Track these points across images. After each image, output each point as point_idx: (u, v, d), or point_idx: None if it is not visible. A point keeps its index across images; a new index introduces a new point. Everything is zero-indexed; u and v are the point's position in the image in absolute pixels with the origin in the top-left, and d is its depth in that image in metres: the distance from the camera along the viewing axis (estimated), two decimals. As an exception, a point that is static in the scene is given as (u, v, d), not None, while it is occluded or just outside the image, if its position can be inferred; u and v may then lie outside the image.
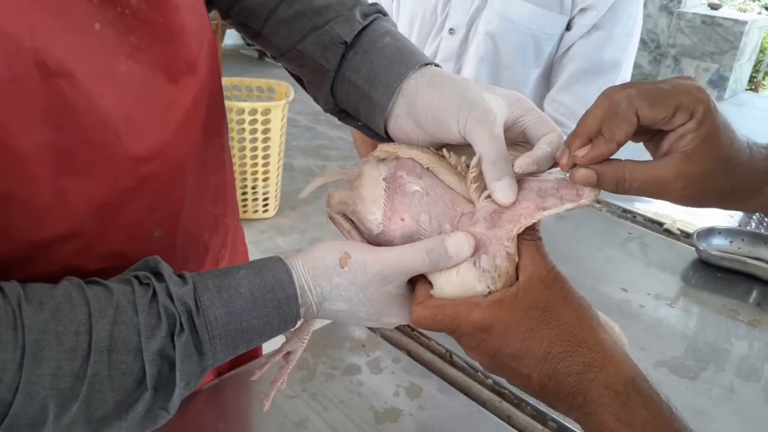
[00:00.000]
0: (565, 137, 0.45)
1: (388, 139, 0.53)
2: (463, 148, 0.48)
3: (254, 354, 0.76)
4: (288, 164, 3.23)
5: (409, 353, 0.76)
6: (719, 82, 5.34)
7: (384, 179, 0.48)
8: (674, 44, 5.47)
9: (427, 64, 0.51)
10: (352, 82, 0.52)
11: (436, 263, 0.44)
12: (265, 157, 2.58)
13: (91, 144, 0.42)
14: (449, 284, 0.44)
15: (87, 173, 0.43)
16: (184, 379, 0.41)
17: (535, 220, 0.43)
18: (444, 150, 0.49)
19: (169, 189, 0.50)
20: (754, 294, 0.95)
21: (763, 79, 5.90)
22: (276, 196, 2.77)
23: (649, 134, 0.45)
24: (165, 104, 0.46)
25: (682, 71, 5.46)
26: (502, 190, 0.44)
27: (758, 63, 5.89)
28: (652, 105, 0.41)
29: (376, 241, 0.48)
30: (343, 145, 3.60)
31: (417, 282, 0.46)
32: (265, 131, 2.50)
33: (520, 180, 0.46)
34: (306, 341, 0.55)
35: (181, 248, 0.55)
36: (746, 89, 5.77)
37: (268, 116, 2.46)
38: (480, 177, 0.46)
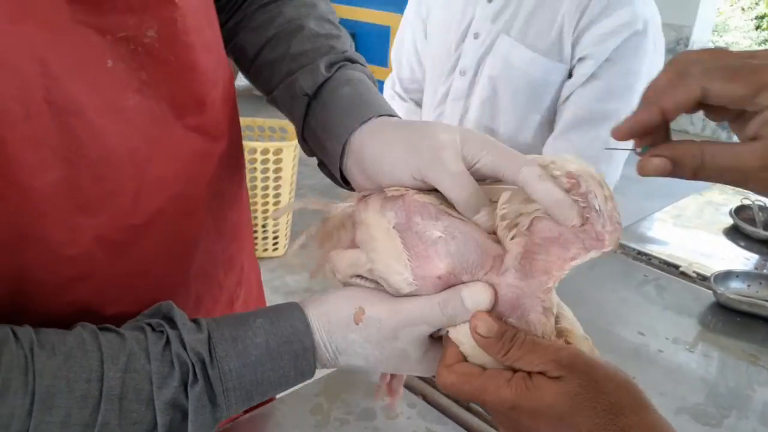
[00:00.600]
0: (536, 169, 0.41)
1: (350, 188, 0.52)
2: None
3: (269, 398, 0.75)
4: (298, 203, 3.25)
5: (425, 398, 0.75)
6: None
7: (395, 227, 0.43)
8: (681, 86, 5.51)
9: (380, 116, 0.49)
10: (314, 131, 0.53)
11: (452, 317, 0.41)
12: (276, 195, 2.59)
13: (100, 180, 0.42)
14: (462, 333, 0.41)
15: (97, 210, 0.42)
16: (196, 431, 0.40)
17: (566, 272, 0.41)
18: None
19: (182, 226, 0.50)
20: (775, 339, 0.93)
21: None
22: (286, 235, 2.78)
23: (733, 113, 0.39)
24: (172, 139, 0.47)
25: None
26: (483, 222, 0.42)
27: (766, 104, 5.91)
28: (728, 79, 0.35)
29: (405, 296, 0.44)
30: (353, 184, 3.61)
31: (447, 340, 0.44)
32: (277, 170, 2.52)
33: (530, 227, 0.42)
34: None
35: (195, 286, 0.55)
36: (755, 130, 5.78)
37: (279, 156, 2.49)
38: (521, 208, 0.42)
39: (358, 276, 0.46)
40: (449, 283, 0.43)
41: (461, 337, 0.42)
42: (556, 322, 0.41)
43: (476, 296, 0.41)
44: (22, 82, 0.36)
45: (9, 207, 0.37)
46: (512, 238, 0.41)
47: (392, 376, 0.53)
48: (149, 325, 0.42)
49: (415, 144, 0.44)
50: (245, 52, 0.59)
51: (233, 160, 0.58)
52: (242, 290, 0.66)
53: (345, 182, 0.52)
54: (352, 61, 0.56)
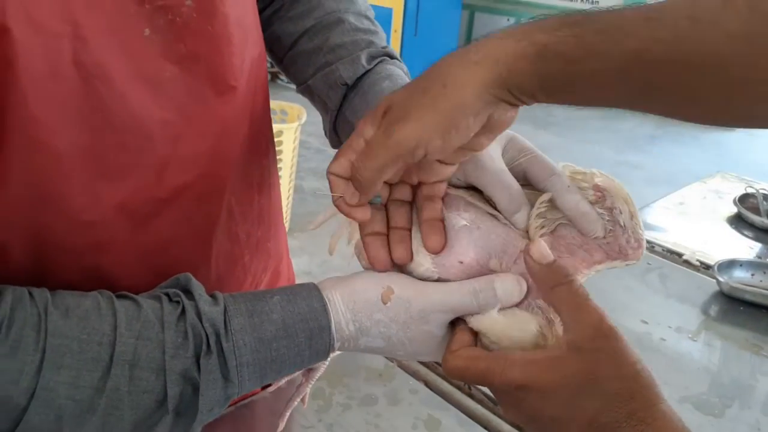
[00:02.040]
0: (565, 179, 0.43)
1: None
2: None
3: None
4: (299, 186, 3.24)
5: (427, 384, 0.74)
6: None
7: None
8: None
9: None
10: (350, 123, 0.52)
11: (484, 305, 0.42)
12: (278, 176, 2.59)
13: (125, 149, 0.41)
14: (487, 321, 0.42)
15: (120, 179, 0.42)
16: (207, 405, 0.39)
17: (588, 274, 0.42)
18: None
19: (206, 203, 0.49)
20: (778, 328, 0.93)
21: None
22: (287, 218, 2.77)
23: None
24: (206, 116, 0.46)
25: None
26: (521, 221, 0.43)
27: None
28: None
29: None
30: (353, 167, 3.60)
31: (455, 326, 0.44)
32: (278, 153, 2.51)
33: (555, 231, 0.44)
34: (328, 361, 0.53)
35: (217, 267, 0.54)
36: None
37: (280, 138, 2.47)
38: (547, 213, 0.43)
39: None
40: (472, 271, 0.43)
41: (485, 326, 0.42)
42: None
43: (508, 287, 0.42)
44: (50, 41, 0.36)
45: (30, 165, 0.38)
46: (541, 237, 0.43)
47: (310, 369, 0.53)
48: (167, 295, 0.41)
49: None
50: (280, 42, 0.59)
51: (263, 144, 0.57)
52: (267, 277, 0.65)
53: None
54: (391, 57, 0.56)
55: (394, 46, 5.06)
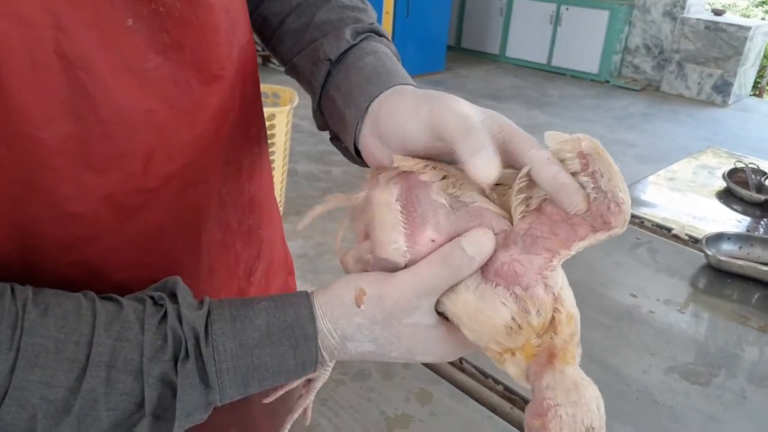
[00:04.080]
0: (544, 153, 0.39)
1: (363, 164, 0.50)
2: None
3: None
4: (292, 170, 3.24)
5: (419, 359, 0.76)
6: (723, 87, 5.34)
7: (397, 200, 0.41)
8: (678, 50, 5.47)
9: (403, 85, 0.47)
10: (333, 99, 0.50)
11: (458, 271, 0.38)
12: (270, 162, 2.58)
13: (110, 139, 0.41)
14: (460, 303, 0.39)
15: (106, 169, 0.42)
16: (184, 411, 0.38)
17: (572, 252, 0.38)
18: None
19: (194, 193, 0.49)
20: (764, 300, 0.94)
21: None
22: (280, 202, 2.77)
23: None
24: (192, 105, 0.46)
25: (686, 77, 5.46)
26: (481, 163, 0.37)
27: (762, 68, 5.89)
28: None
29: None
30: (347, 150, 3.60)
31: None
32: (270, 137, 2.51)
33: (540, 208, 0.40)
34: (330, 370, 0.52)
35: (207, 256, 0.54)
36: (750, 95, 5.76)
37: (272, 122, 2.47)
38: (527, 188, 0.39)
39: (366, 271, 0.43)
40: None
41: (458, 309, 0.39)
42: (554, 305, 0.40)
43: (476, 240, 0.38)
44: (30, 32, 0.35)
45: (15, 157, 0.37)
46: (521, 216, 0.39)
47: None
48: (151, 298, 0.40)
49: (432, 98, 0.41)
50: (268, 22, 0.58)
51: (253, 131, 0.57)
52: (261, 263, 0.65)
53: (359, 156, 0.50)
54: (379, 34, 0.55)
55: (386, 28, 5.02)
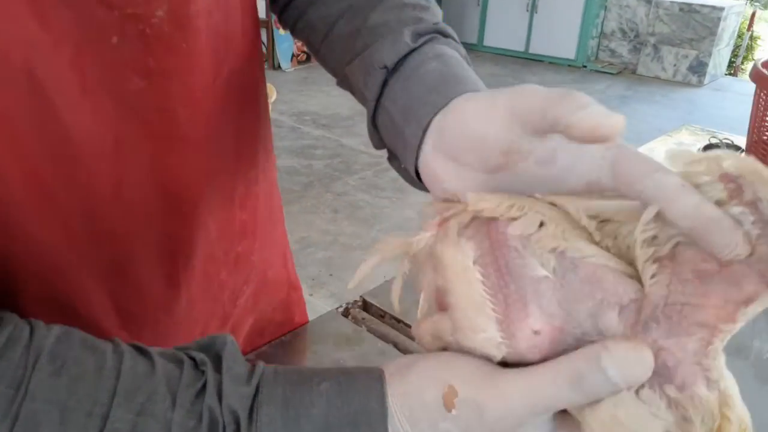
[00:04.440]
0: (674, 178, 0.28)
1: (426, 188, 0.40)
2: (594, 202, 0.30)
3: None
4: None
5: (396, 346, 0.75)
6: (699, 68, 5.39)
7: (476, 263, 0.30)
8: (653, 32, 5.50)
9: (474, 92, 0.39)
10: (389, 113, 0.42)
11: (591, 394, 0.28)
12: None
13: (80, 162, 0.38)
14: (605, 425, 0.28)
15: (71, 194, 0.39)
16: None
17: (739, 325, 0.27)
18: (563, 200, 0.30)
19: (170, 224, 0.46)
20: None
21: (742, 63, 5.96)
22: (261, 198, 2.76)
23: None
24: (174, 132, 0.43)
25: (662, 59, 5.50)
26: (594, 116, 0.28)
27: (736, 48, 5.94)
28: None
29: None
30: (328, 144, 3.58)
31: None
32: (247, 132, 2.48)
33: (672, 256, 0.28)
34: None
35: (187, 288, 0.51)
36: (725, 74, 5.82)
37: (249, 117, 2.44)
38: (656, 240, 0.28)
39: (446, 350, 0.34)
40: (555, 341, 0.29)
41: (601, 424, 0.28)
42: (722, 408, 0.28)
43: (625, 364, 0.27)
44: None
45: None
46: (653, 276, 0.28)
47: None
48: (192, 359, 0.34)
49: (509, 89, 0.33)
50: (315, 29, 0.50)
51: (248, 156, 0.53)
52: (250, 286, 0.62)
53: (420, 180, 0.42)
54: (445, 35, 0.45)
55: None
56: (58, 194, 0.39)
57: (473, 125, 0.34)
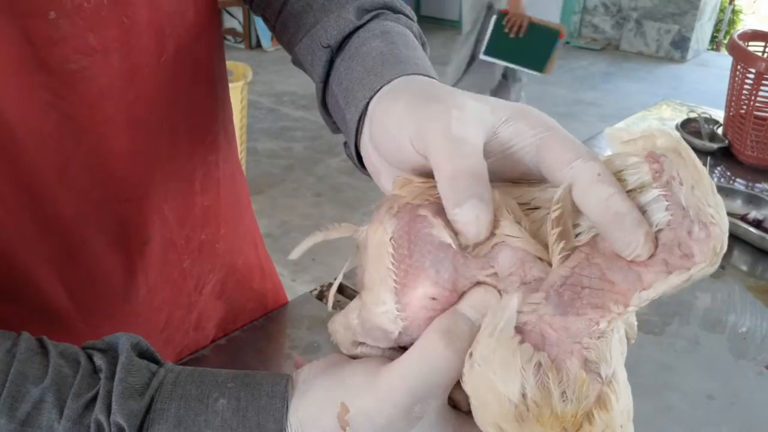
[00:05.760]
0: (596, 166, 0.27)
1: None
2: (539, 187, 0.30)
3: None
4: (252, 148, 3.17)
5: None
6: (681, 43, 5.38)
7: (392, 239, 0.29)
8: (636, 7, 5.48)
9: (411, 75, 0.36)
10: (335, 96, 0.40)
11: (459, 342, 0.27)
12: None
13: (18, 147, 0.37)
14: (468, 367, 0.27)
15: (17, 177, 0.38)
16: None
17: (631, 309, 0.26)
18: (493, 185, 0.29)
19: (122, 210, 0.44)
20: (717, 246, 0.95)
21: (724, 38, 5.96)
22: (242, 181, 2.73)
23: None
24: (118, 114, 0.41)
25: (645, 34, 5.48)
26: (466, 222, 0.27)
27: (719, 23, 5.94)
28: None
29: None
30: (308, 125, 3.55)
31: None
32: (226, 115, 2.45)
33: (592, 243, 0.27)
34: None
35: (144, 276, 0.49)
36: (708, 49, 5.82)
37: (227, 99, 2.40)
38: (562, 220, 0.27)
39: (361, 343, 0.32)
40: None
41: (471, 386, 0.27)
42: (598, 393, 0.27)
43: (476, 300, 0.27)
44: None
45: None
46: (562, 258, 0.27)
47: None
48: (90, 360, 0.32)
49: (423, 101, 0.31)
50: (270, 5, 0.48)
51: (207, 138, 0.51)
52: (217, 275, 0.61)
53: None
54: (395, 10, 0.43)
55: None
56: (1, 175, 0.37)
57: (392, 132, 0.32)
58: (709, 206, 0.25)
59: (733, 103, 1.22)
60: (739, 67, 1.16)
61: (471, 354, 0.27)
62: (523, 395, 0.26)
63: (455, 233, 0.28)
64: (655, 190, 0.26)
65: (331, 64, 0.41)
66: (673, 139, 0.26)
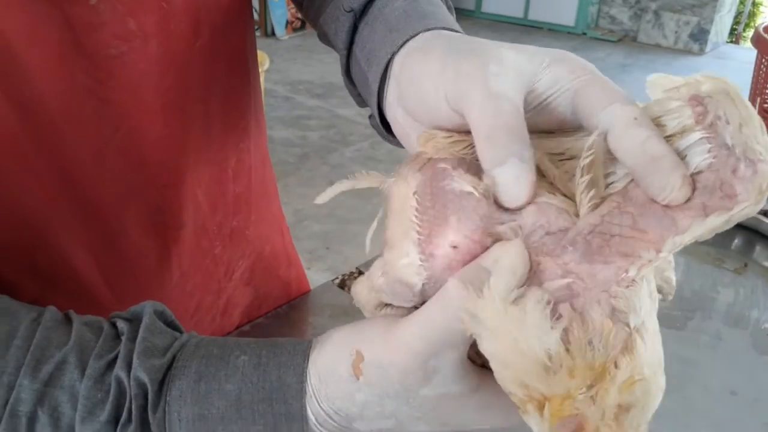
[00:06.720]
0: (631, 110, 0.26)
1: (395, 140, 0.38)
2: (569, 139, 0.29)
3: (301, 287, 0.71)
4: (268, 136, 3.18)
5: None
6: (700, 35, 5.31)
7: (415, 193, 0.28)
8: (654, -2, 5.41)
9: (434, 29, 0.34)
10: (359, 61, 0.39)
11: (477, 289, 0.26)
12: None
13: (55, 129, 0.37)
14: (497, 319, 0.25)
15: (53, 163, 0.38)
16: None
17: (663, 256, 0.25)
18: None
19: (158, 196, 0.45)
20: (739, 242, 0.94)
21: (744, 30, 5.88)
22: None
23: None
24: (154, 99, 0.41)
25: (663, 26, 5.42)
26: (505, 183, 0.26)
27: (738, 15, 5.85)
28: None
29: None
30: (323, 114, 3.54)
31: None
32: (242, 102, 2.45)
33: (625, 192, 0.26)
34: None
35: (179, 261, 0.49)
36: (727, 41, 5.74)
37: (244, 87, 2.40)
38: (593, 167, 0.26)
39: (386, 305, 0.31)
40: (475, 256, 0.28)
41: (491, 346, 0.26)
42: (624, 344, 0.26)
43: (507, 255, 0.26)
44: None
45: None
46: (590, 206, 0.26)
47: None
48: (114, 325, 0.32)
49: (461, 52, 0.29)
50: None
51: (240, 125, 0.51)
52: (246, 261, 0.61)
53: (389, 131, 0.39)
54: None
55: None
56: (37, 162, 0.38)
57: (424, 92, 0.31)
58: (757, 143, 0.24)
59: (756, 95, 1.20)
60: (764, 60, 1.14)
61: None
62: (549, 350, 0.25)
63: (477, 183, 0.27)
64: (697, 132, 0.25)
65: (354, 30, 0.40)
66: (721, 81, 0.25)
